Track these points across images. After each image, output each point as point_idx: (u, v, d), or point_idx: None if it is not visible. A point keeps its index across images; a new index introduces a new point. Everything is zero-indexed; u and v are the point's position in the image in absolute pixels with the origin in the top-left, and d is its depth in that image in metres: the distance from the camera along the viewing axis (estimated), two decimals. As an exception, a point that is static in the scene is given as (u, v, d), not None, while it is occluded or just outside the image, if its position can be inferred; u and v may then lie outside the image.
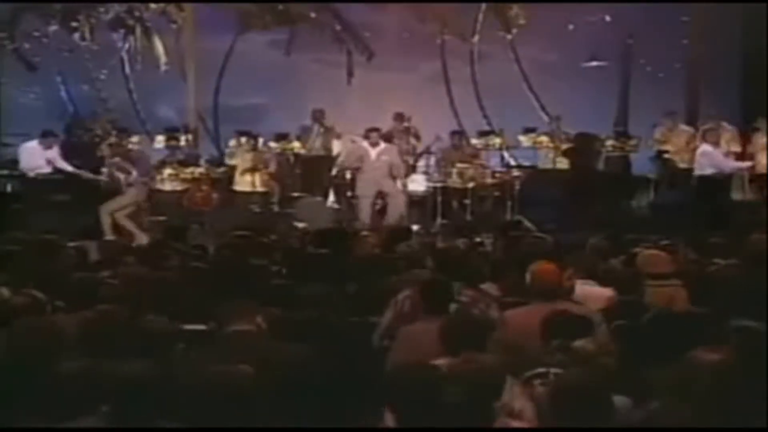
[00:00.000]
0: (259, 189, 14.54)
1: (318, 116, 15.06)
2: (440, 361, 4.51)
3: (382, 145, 13.75)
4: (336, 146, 15.02)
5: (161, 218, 13.19)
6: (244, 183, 14.55)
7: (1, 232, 10.61)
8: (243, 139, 14.87)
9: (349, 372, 4.93)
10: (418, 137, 14.93)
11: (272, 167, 14.68)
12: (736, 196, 14.04)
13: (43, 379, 4.10)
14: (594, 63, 15.63)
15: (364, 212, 13.49)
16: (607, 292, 6.69)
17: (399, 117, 14.88)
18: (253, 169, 14.46)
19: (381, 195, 13.65)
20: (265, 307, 5.46)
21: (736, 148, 14.23)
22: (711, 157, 13.36)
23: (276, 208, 14.47)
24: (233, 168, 14.85)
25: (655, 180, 14.78)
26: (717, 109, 14.75)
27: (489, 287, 6.67)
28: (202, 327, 5.49)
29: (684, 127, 14.79)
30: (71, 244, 8.85)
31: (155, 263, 7.55)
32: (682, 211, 12.98)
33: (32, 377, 4.14)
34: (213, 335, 5.22)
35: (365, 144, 13.81)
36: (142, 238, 11.65)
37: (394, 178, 13.64)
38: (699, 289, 6.52)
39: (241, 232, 9.59)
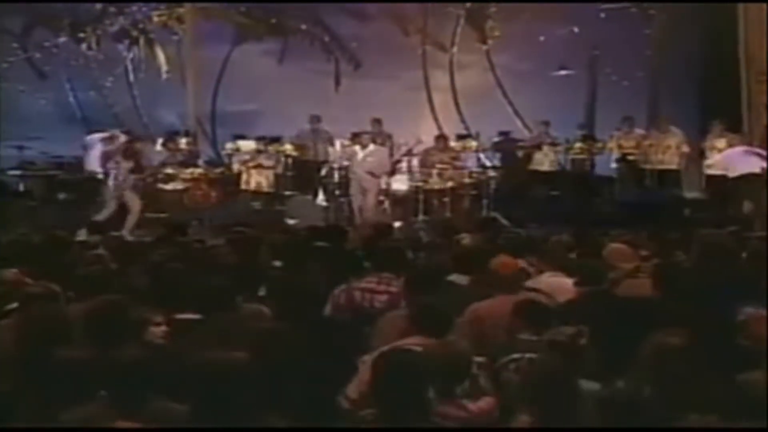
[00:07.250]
0: (266, 189, 14.54)
1: (315, 121, 15.02)
2: (411, 340, 4.58)
3: (371, 147, 13.72)
4: (331, 150, 14.95)
5: (163, 215, 13.12)
6: (254, 183, 14.52)
7: (15, 227, 10.55)
8: (241, 142, 14.84)
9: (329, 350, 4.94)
10: (389, 137, 14.95)
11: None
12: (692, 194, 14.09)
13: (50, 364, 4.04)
14: (563, 72, 15.64)
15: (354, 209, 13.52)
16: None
17: (377, 122, 14.88)
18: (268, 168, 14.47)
19: (363, 192, 13.62)
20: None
21: (686, 149, 14.26)
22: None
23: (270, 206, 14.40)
24: (230, 168, 14.83)
25: (619, 179, 14.80)
26: (675, 115, 14.78)
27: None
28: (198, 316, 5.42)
29: (638, 130, 14.80)
30: (79, 239, 8.79)
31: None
32: (644, 208, 12.98)
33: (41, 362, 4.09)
34: (213, 322, 5.17)
35: (356, 147, 13.82)
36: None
37: (374, 176, 13.60)
38: (660, 280, 6.49)
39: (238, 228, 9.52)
